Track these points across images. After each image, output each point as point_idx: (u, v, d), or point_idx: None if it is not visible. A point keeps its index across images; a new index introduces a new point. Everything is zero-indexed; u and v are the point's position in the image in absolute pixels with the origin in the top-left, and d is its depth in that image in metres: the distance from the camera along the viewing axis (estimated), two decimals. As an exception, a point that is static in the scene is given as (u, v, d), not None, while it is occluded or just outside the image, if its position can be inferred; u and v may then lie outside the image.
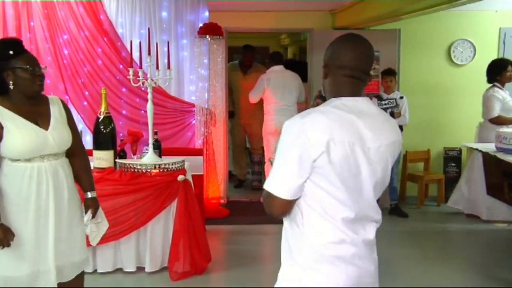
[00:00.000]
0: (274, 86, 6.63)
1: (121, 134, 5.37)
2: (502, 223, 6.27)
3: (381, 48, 7.02)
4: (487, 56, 7.36)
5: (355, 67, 1.95)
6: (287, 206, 1.92)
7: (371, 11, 6.10)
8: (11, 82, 2.77)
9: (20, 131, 2.78)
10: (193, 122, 6.39)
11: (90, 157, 4.67)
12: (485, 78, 6.84)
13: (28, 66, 2.78)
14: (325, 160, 1.83)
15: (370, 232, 1.99)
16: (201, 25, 6.25)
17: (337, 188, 1.87)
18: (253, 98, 6.79)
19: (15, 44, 2.83)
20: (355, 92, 1.97)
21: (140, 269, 4.66)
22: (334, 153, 1.83)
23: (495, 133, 5.55)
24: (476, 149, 6.08)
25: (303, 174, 1.85)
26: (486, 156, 5.84)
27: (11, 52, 2.77)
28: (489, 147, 5.83)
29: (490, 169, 5.82)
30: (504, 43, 7.35)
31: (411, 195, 7.17)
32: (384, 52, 7.06)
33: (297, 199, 1.91)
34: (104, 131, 4.65)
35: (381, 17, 6.14)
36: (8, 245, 2.72)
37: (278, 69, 6.79)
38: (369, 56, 1.99)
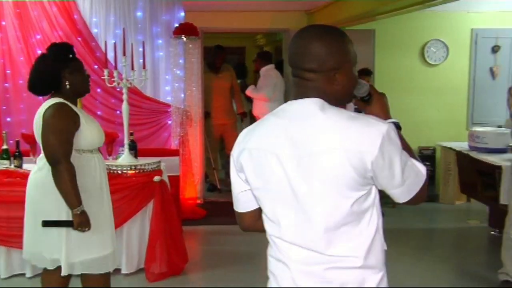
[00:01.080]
0: (279, 86, 6.92)
1: (96, 135, 5.31)
2: (474, 220, 6.37)
3: (356, 48, 7.04)
4: (459, 56, 7.49)
5: (295, 65, 1.66)
6: (243, 218, 1.80)
7: (346, 11, 6.15)
8: (67, 82, 3.06)
9: (89, 125, 3.12)
10: (169, 122, 6.37)
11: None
12: (458, 77, 6.96)
13: (83, 69, 3.17)
14: (246, 172, 1.68)
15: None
16: (176, 25, 6.23)
17: (269, 209, 1.68)
18: (267, 96, 6.95)
19: (71, 48, 3.15)
20: (300, 92, 1.65)
21: (116, 270, 4.60)
22: (247, 164, 1.67)
23: (468, 132, 5.64)
24: (450, 148, 6.18)
25: (237, 186, 1.75)
26: (459, 155, 5.94)
27: (70, 56, 3.10)
28: (463, 146, 5.93)
29: (463, 167, 5.91)
30: (476, 43, 7.47)
31: (387, 194, 7.23)
32: (359, 52, 6.93)
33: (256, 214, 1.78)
34: (79, 132, 4.60)
35: (356, 17, 6.18)
36: (89, 228, 3.04)
37: (270, 68, 6.98)
38: (309, 50, 1.62)
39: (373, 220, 1.62)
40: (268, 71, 7.00)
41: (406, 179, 1.61)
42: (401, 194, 1.64)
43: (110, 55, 5.11)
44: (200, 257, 5.22)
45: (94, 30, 6.14)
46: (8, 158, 4.64)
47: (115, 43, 4.70)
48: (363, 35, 7.16)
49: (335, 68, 1.65)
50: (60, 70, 3.04)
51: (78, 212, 2.98)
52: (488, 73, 7.50)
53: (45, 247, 3.13)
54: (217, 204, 7.03)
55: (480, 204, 5.96)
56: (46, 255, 3.14)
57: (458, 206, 6.99)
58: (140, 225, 4.58)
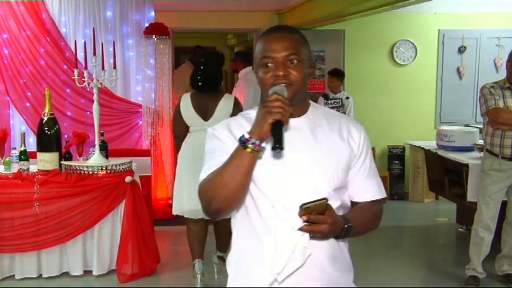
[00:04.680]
0: (258, 88, 6.57)
1: (66, 136, 5.26)
2: (443, 217, 6.48)
3: (326, 48, 7.15)
4: (427, 56, 7.62)
5: None
6: None
7: (316, 11, 6.20)
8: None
9: None
10: (140, 123, 6.33)
11: (33, 160, 4.62)
12: (426, 77, 7.06)
13: None
14: None
15: None
16: (147, 25, 6.19)
17: None
18: (249, 104, 6.03)
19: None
20: None
21: (87, 272, 4.58)
22: None
23: (436, 131, 5.75)
24: (419, 147, 6.28)
25: None
26: (428, 153, 6.04)
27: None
28: (431, 145, 6.04)
29: (432, 166, 6.02)
30: (443, 44, 7.61)
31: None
32: (329, 52, 7.19)
33: None
34: (49, 133, 4.56)
35: (326, 17, 6.24)
36: None
37: (250, 70, 6.31)
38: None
39: None
40: (248, 75, 6.49)
41: None
42: None
43: (80, 55, 5.06)
44: (172, 257, 5.20)
45: (63, 30, 6.06)
46: (27, 159, 4.61)
47: (85, 43, 4.66)
48: (333, 35, 7.23)
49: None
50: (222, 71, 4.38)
51: None
52: (455, 73, 7.66)
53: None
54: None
55: (448, 201, 6.07)
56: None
57: (427, 204, 7.11)
58: (112, 226, 4.55)
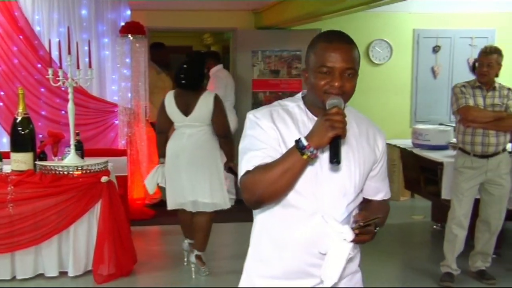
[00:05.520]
0: (230, 85, 6.71)
1: (40, 136, 5.19)
2: (418, 215, 6.56)
3: (302, 48, 7.14)
4: (403, 56, 7.70)
5: None
6: None
7: (293, 11, 6.22)
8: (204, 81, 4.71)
9: None
10: (116, 122, 6.27)
11: (7, 160, 4.55)
12: (401, 76, 7.10)
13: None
14: None
15: None
16: (122, 24, 6.14)
17: None
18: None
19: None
20: None
21: (63, 273, 4.53)
22: None
23: (412, 129, 5.81)
24: (395, 146, 6.34)
25: None
26: (403, 152, 6.10)
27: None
28: (406, 143, 6.10)
29: (407, 164, 6.08)
30: (418, 43, 7.69)
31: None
32: (305, 51, 7.19)
33: None
34: (23, 133, 4.51)
35: (302, 17, 6.27)
36: None
37: (220, 68, 6.81)
38: None
39: None
40: (218, 72, 6.81)
41: None
42: None
43: (55, 54, 4.99)
44: (149, 257, 5.17)
45: (37, 28, 5.97)
46: (0, 159, 4.57)
47: (59, 42, 4.60)
48: (309, 35, 7.11)
49: (303, 69, 1.91)
50: (204, 71, 4.66)
51: (235, 163, 4.27)
52: (430, 72, 7.75)
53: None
54: (166, 204, 6.95)
55: (424, 199, 6.14)
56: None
57: (403, 202, 7.18)
58: (88, 227, 4.51)
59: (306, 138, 1.69)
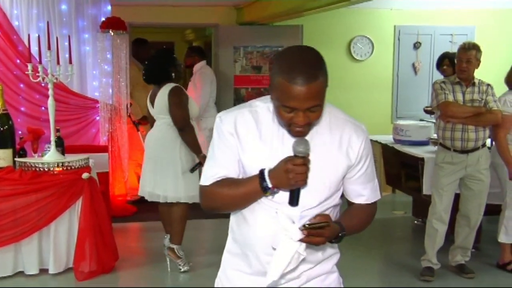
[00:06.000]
0: (214, 82, 6.55)
1: (20, 132, 5.13)
2: (399, 211, 6.61)
3: (284, 44, 7.15)
4: (384, 52, 7.75)
5: None
6: None
7: (275, 7, 6.22)
8: (173, 74, 4.54)
9: (191, 100, 4.69)
10: (97, 118, 6.22)
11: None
12: (383, 72, 7.14)
13: (181, 64, 4.83)
14: None
15: None
16: (103, 19, 6.09)
17: None
18: (207, 96, 6.47)
19: (173, 50, 4.40)
20: None
21: (43, 271, 4.49)
22: None
23: (393, 125, 5.84)
24: (376, 141, 6.38)
25: None
26: (384, 147, 6.14)
27: (174, 55, 4.74)
28: (388, 139, 6.14)
29: (388, 160, 6.12)
30: (399, 39, 7.75)
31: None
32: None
33: None
34: (2, 129, 4.46)
35: (284, 13, 6.28)
36: None
37: (204, 64, 6.56)
38: None
39: None
40: (203, 69, 6.59)
41: None
42: None
43: (34, 49, 4.94)
44: (131, 254, 5.15)
45: (15, 23, 5.89)
46: None
47: (38, 37, 4.55)
48: (291, 31, 7.27)
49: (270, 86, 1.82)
50: (170, 66, 4.56)
51: (202, 154, 4.38)
52: (411, 68, 7.81)
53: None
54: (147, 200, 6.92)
55: (405, 195, 6.19)
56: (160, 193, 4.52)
57: (384, 197, 7.17)
58: (69, 223, 4.47)
59: (269, 174, 1.73)
